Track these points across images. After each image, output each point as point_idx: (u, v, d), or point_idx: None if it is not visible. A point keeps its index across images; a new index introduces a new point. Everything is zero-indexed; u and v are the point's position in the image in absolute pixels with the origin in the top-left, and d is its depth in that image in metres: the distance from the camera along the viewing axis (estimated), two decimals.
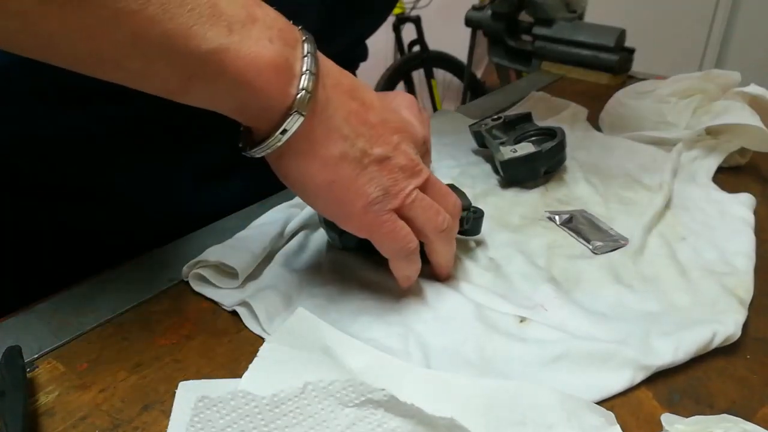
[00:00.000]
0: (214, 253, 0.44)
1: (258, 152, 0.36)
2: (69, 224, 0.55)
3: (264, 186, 0.53)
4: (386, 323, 0.41)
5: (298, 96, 0.33)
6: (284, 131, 0.34)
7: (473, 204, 0.49)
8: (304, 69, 0.34)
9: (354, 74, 0.67)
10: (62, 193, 0.53)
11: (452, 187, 0.47)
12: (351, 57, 0.69)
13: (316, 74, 0.34)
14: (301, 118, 0.34)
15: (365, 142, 0.37)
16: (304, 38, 0.35)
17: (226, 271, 0.44)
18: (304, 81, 0.33)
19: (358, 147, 0.37)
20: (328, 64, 0.37)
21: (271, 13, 0.34)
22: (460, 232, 0.47)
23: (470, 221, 0.48)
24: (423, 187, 0.41)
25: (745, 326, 0.42)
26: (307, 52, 0.34)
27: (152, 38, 0.30)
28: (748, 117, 0.64)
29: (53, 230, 0.55)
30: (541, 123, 0.66)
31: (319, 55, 0.35)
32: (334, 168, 0.36)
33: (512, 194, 0.60)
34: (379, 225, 0.39)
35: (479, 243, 0.51)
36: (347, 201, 0.38)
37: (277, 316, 0.41)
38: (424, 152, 0.46)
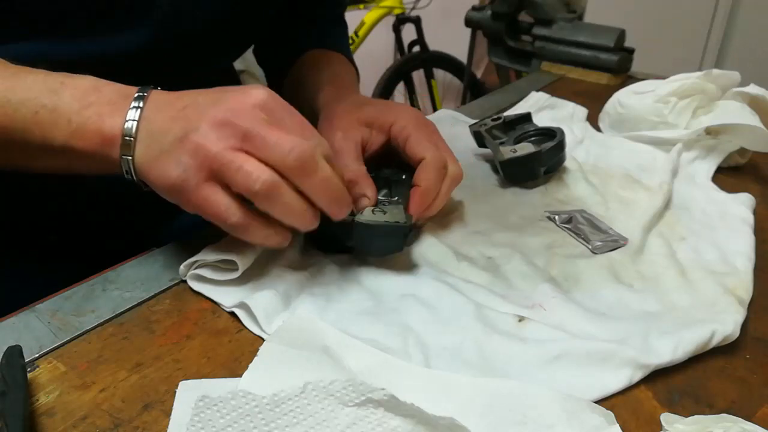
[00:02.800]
0: (211, 252, 0.44)
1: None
2: (69, 219, 0.55)
3: None
4: (386, 323, 0.41)
5: (122, 145, 0.41)
6: (126, 172, 0.42)
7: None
8: (127, 122, 0.41)
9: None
10: (61, 188, 0.53)
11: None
12: None
13: (138, 120, 0.41)
14: (130, 156, 0.41)
15: (172, 133, 0.40)
16: (136, 95, 0.42)
17: (225, 267, 0.44)
18: (127, 134, 0.41)
19: (167, 141, 0.40)
20: (161, 97, 0.42)
21: (107, 94, 0.42)
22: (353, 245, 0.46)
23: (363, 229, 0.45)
24: (245, 147, 0.39)
25: (745, 326, 0.42)
26: (133, 106, 0.41)
27: (22, 146, 0.42)
28: (747, 117, 0.64)
29: (53, 228, 0.55)
30: (541, 123, 0.66)
31: (153, 92, 0.43)
32: (152, 168, 0.41)
33: (512, 194, 0.60)
34: (195, 198, 0.40)
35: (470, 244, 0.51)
36: (165, 185, 0.41)
37: (276, 317, 0.41)
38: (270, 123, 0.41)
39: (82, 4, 0.47)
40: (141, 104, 0.41)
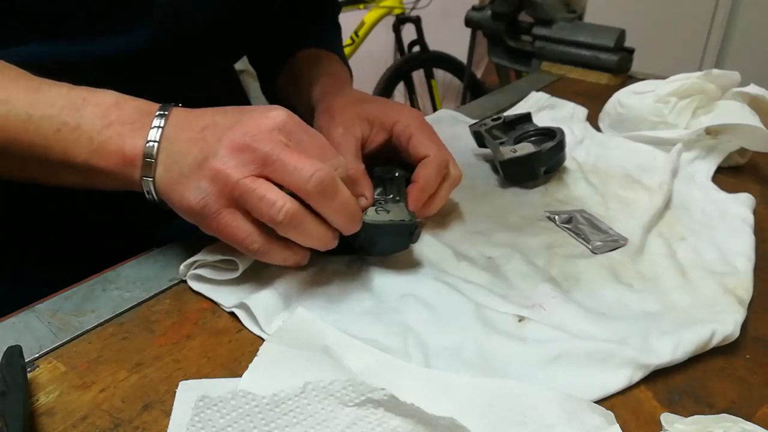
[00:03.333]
0: (211, 252, 0.44)
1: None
2: (69, 219, 0.55)
3: None
4: (386, 323, 0.41)
5: (143, 167, 0.41)
6: (148, 192, 0.42)
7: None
8: (148, 143, 0.41)
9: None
10: (61, 188, 0.53)
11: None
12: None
13: (159, 141, 0.41)
14: (151, 178, 0.42)
15: (191, 156, 0.41)
16: (157, 113, 0.42)
17: (225, 267, 0.44)
18: (148, 153, 0.41)
19: (186, 164, 0.41)
20: (181, 116, 0.42)
21: (128, 112, 0.42)
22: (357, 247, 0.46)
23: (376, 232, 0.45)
24: (265, 172, 0.39)
25: (745, 326, 0.42)
26: (154, 126, 0.42)
27: (42, 161, 0.42)
28: (747, 117, 0.64)
29: (53, 228, 0.55)
30: (541, 123, 0.66)
31: (174, 110, 0.43)
32: (172, 190, 0.41)
33: (512, 194, 0.60)
34: (216, 223, 0.41)
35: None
36: (185, 209, 0.41)
37: (276, 317, 0.41)
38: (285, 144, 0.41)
39: (82, 5, 0.47)
40: (162, 123, 0.42)
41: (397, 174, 0.52)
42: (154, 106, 0.43)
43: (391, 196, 0.50)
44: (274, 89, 0.74)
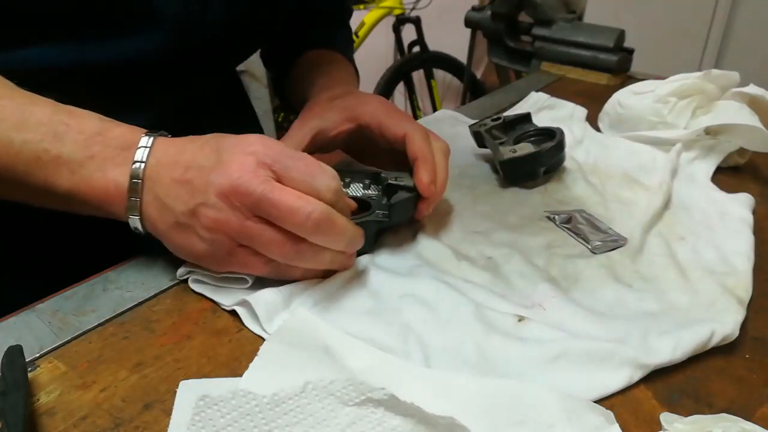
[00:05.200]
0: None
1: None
2: (69, 218, 0.55)
3: None
4: (386, 323, 0.41)
5: (128, 205, 0.41)
6: (135, 228, 0.43)
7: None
8: (132, 181, 0.41)
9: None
10: None
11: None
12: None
13: (142, 180, 0.41)
14: (137, 215, 0.42)
15: (181, 202, 0.40)
16: (139, 146, 0.42)
17: (230, 278, 0.44)
18: (132, 191, 0.41)
19: (178, 210, 0.41)
20: (162, 151, 0.42)
21: (110, 144, 0.41)
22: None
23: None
24: (261, 214, 0.39)
25: (744, 326, 0.42)
26: (136, 161, 0.41)
27: (24, 185, 0.41)
28: (747, 117, 0.64)
29: (53, 228, 0.55)
30: (541, 123, 0.66)
31: (156, 143, 0.42)
32: (170, 237, 0.42)
33: (512, 194, 0.60)
34: (230, 264, 0.42)
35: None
36: (195, 257, 0.43)
37: (276, 316, 0.41)
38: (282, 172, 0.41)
39: (91, 10, 0.47)
40: (144, 157, 0.41)
41: (382, 174, 0.51)
42: (137, 136, 0.42)
43: (380, 189, 0.50)
44: (284, 90, 0.75)
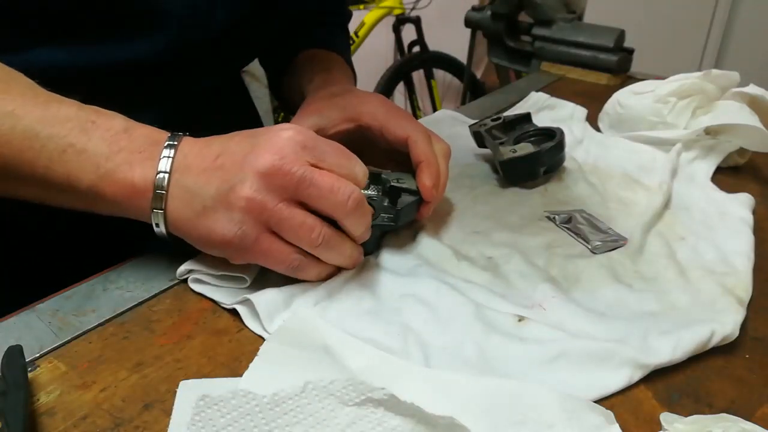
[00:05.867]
0: (211, 265, 0.44)
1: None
2: (69, 218, 0.55)
3: None
4: (386, 323, 0.41)
5: (154, 198, 0.41)
6: (156, 225, 0.42)
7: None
8: (159, 174, 0.41)
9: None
10: None
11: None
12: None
13: (169, 172, 0.41)
14: (162, 210, 0.41)
15: (212, 187, 0.40)
16: (166, 143, 0.41)
17: (228, 276, 0.44)
18: (158, 185, 0.41)
19: (208, 195, 0.40)
20: (189, 145, 0.42)
21: (137, 140, 0.41)
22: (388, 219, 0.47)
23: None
24: (299, 196, 0.40)
25: (744, 326, 0.42)
26: (164, 156, 0.41)
27: (43, 182, 0.41)
28: (746, 117, 0.64)
29: (54, 228, 0.55)
30: (541, 123, 0.66)
31: (183, 139, 0.42)
32: (195, 227, 0.41)
33: (512, 194, 0.60)
34: (252, 253, 0.41)
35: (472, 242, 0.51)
36: (220, 244, 0.41)
37: (277, 315, 0.41)
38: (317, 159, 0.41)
39: (96, 11, 0.47)
40: (172, 153, 0.41)
41: (382, 174, 0.51)
42: (163, 135, 0.42)
43: (387, 203, 0.50)
44: (281, 90, 0.75)
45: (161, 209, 0.41)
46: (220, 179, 0.40)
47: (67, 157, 0.40)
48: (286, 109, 2.88)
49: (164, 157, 0.41)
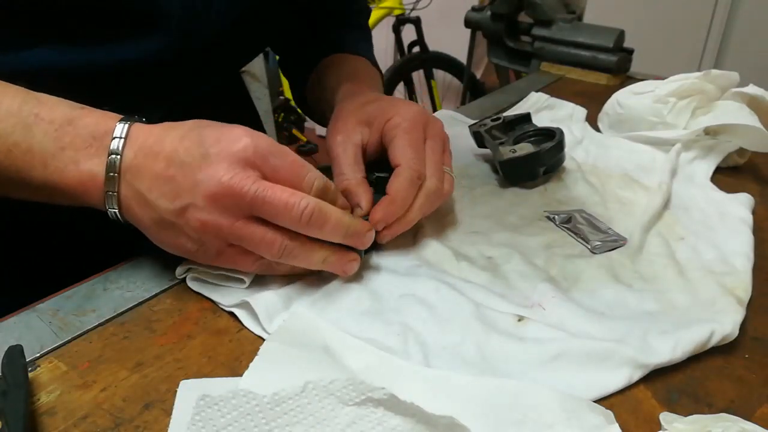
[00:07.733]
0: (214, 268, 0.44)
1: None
2: (69, 218, 0.55)
3: None
4: (386, 323, 0.41)
5: (106, 197, 0.41)
6: (114, 214, 0.42)
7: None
8: (109, 174, 0.40)
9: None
10: None
11: None
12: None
13: (118, 173, 0.40)
14: (115, 209, 0.41)
15: (166, 200, 0.40)
16: (114, 136, 0.40)
17: (228, 276, 0.44)
18: (108, 184, 0.40)
19: (162, 208, 0.40)
20: (139, 142, 0.41)
21: (81, 133, 0.41)
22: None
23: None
24: (254, 213, 0.39)
25: (744, 326, 0.42)
26: (111, 152, 0.40)
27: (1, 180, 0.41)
28: (746, 117, 0.64)
29: (54, 228, 0.55)
30: (540, 123, 0.66)
31: (132, 132, 0.41)
32: (155, 233, 0.42)
33: (511, 194, 0.60)
34: (219, 260, 0.42)
35: (475, 243, 0.51)
36: (182, 253, 0.42)
37: (276, 316, 0.41)
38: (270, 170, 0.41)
39: (95, 11, 0.47)
40: (120, 148, 0.40)
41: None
42: (110, 124, 0.41)
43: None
44: (305, 98, 0.74)
45: (115, 208, 0.41)
46: (173, 194, 0.39)
47: (13, 157, 0.40)
48: (286, 110, 2.88)
49: (112, 153, 0.40)
